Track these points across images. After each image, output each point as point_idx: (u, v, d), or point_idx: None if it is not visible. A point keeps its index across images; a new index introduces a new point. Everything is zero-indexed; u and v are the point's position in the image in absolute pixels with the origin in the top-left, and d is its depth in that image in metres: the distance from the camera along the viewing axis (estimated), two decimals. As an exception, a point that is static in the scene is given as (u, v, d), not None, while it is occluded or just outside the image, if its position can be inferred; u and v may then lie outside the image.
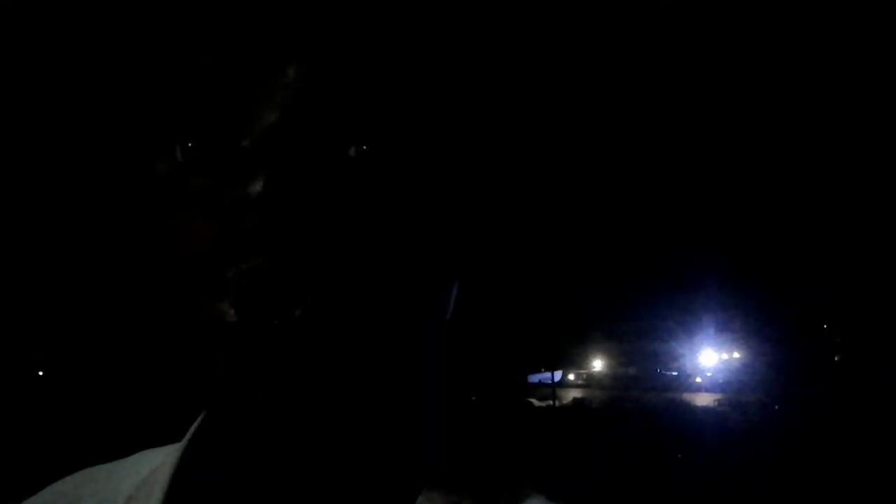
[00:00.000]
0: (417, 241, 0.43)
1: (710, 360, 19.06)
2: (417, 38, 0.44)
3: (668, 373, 20.35)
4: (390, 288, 0.42)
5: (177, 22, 0.43)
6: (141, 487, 0.52)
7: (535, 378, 18.23)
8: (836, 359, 15.13)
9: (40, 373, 9.15)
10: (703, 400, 15.81)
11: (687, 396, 16.40)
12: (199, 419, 0.52)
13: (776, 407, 12.30)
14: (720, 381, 17.25)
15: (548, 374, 17.72)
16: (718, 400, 15.22)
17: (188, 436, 0.52)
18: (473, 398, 0.52)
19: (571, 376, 22.85)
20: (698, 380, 19.27)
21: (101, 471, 0.58)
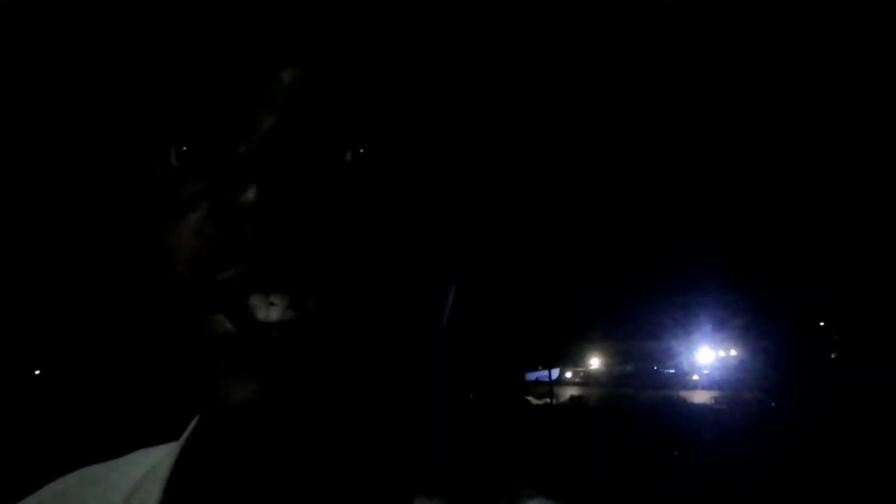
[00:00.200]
0: (416, 242, 0.43)
1: (707, 357, 19.08)
2: (415, 40, 0.44)
3: (666, 371, 20.37)
4: (389, 288, 0.42)
5: (173, 26, 0.43)
6: (140, 487, 0.53)
7: (532, 376, 18.23)
8: (833, 357, 15.15)
9: (37, 372, 9.13)
10: (700, 397, 15.81)
11: (684, 394, 16.40)
12: (196, 418, 0.52)
13: (773, 404, 12.31)
14: (717, 378, 17.26)
15: (545, 373, 17.72)
16: (715, 397, 15.22)
17: (186, 434, 0.52)
18: (472, 397, 0.52)
19: (569, 374, 22.86)
20: (695, 377, 19.29)
21: (100, 470, 0.58)
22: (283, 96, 0.40)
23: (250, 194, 0.38)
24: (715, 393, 15.82)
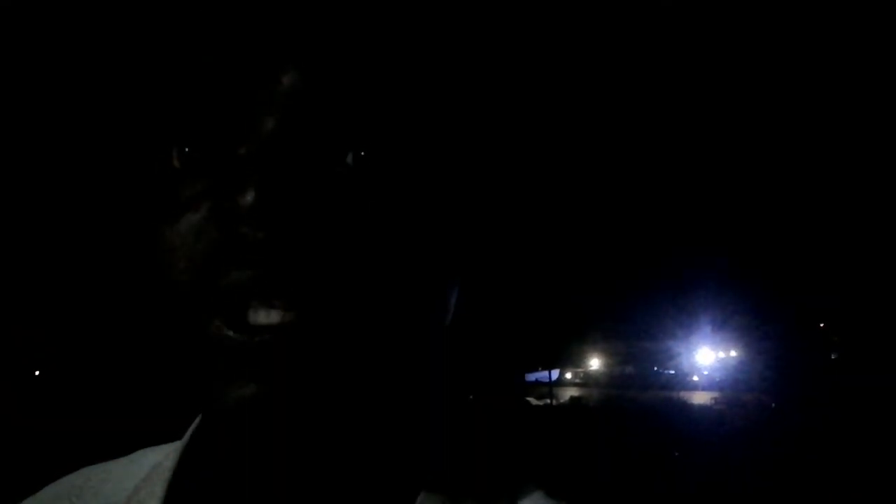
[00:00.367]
0: (417, 242, 0.43)
1: (707, 358, 19.08)
2: (415, 42, 0.45)
3: (666, 371, 20.36)
4: (390, 289, 0.42)
5: (174, 28, 0.43)
6: (141, 487, 0.53)
7: (532, 377, 18.22)
8: (833, 357, 15.14)
9: (36, 372, 9.12)
10: (700, 398, 15.81)
11: (684, 395, 16.40)
12: (198, 419, 0.52)
13: (773, 405, 12.31)
14: (717, 379, 17.27)
15: (545, 373, 17.71)
16: (715, 398, 15.22)
17: (188, 435, 0.52)
18: (472, 398, 0.52)
19: (569, 375, 22.85)
20: (695, 378, 19.30)
21: (100, 470, 0.58)
22: (284, 98, 0.40)
23: (250, 196, 0.38)
24: (715, 393, 15.83)
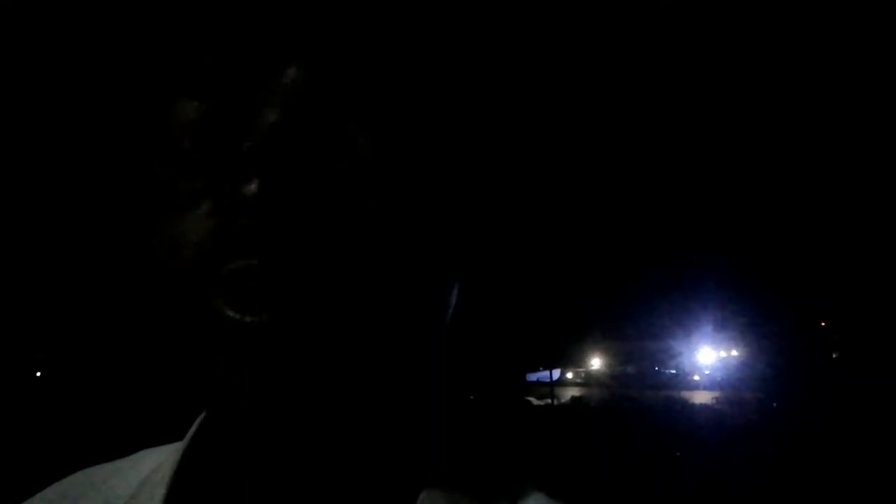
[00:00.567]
0: (417, 240, 0.43)
1: (709, 358, 19.08)
2: (418, 37, 0.45)
3: (667, 371, 20.37)
4: (390, 287, 0.42)
5: (177, 22, 0.43)
6: (141, 487, 0.53)
7: (533, 377, 18.23)
8: (834, 357, 15.14)
9: (38, 374, 9.13)
10: (702, 398, 15.82)
11: (685, 394, 16.41)
12: (199, 419, 0.52)
13: (774, 405, 12.32)
14: (718, 379, 17.27)
15: (546, 373, 17.72)
16: (716, 398, 15.22)
17: (188, 435, 0.52)
18: (472, 398, 0.52)
19: (570, 375, 22.86)
20: (696, 378, 19.30)
21: (101, 471, 0.58)
22: (287, 92, 0.40)
23: (253, 189, 0.38)
24: (716, 393, 15.82)
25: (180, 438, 0.52)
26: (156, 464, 0.54)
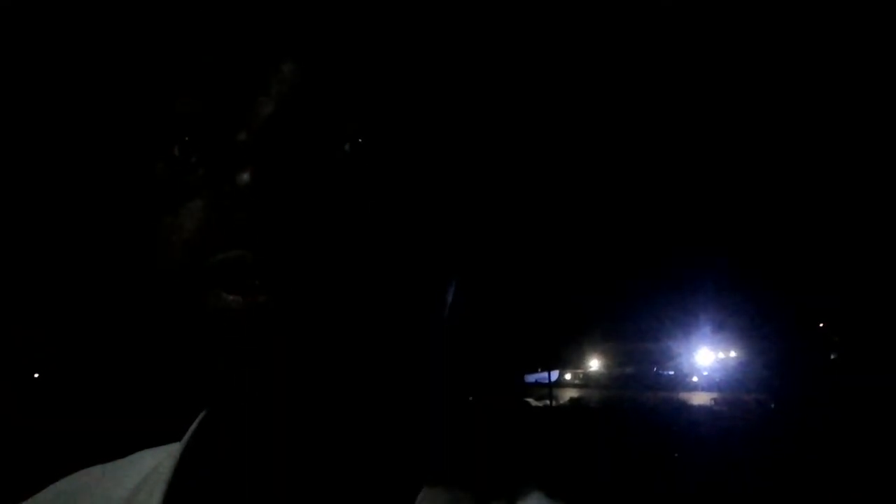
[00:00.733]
0: (416, 240, 0.43)
1: (707, 359, 19.07)
2: (417, 32, 0.45)
3: (665, 372, 20.36)
4: (390, 287, 0.41)
5: (174, 16, 0.44)
6: (141, 487, 0.53)
7: (531, 378, 18.21)
8: (832, 358, 15.14)
9: (35, 374, 9.12)
10: (700, 399, 15.81)
11: (684, 396, 16.41)
12: (198, 419, 0.52)
13: (773, 406, 12.31)
14: (717, 380, 17.26)
15: (545, 374, 17.71)
16: (715, 399, 15.23)
17: (188, 435, 0.52)
18: (472, 398, 0.53)
19: (568, 376, 22.85)
20: (695, 379, 19.29)
21: (101, 471, 0.59)
22: (283, 85, 0.40)
23: (248, 181, 0.38)
24: (715, 394, 15.83)
25: (179, 438, 0.52)
26: (155, 464, 0.54)
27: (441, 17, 0.46)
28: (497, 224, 0.52)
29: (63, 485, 0.58)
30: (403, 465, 0.46)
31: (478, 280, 0.51)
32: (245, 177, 0.38)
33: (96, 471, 0.59)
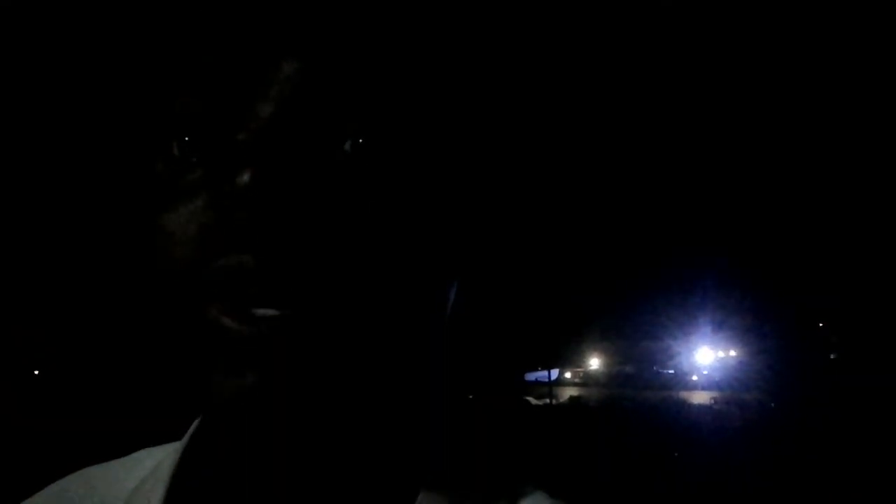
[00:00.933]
0: (418, 240, 0.43)
1: (707, 358, 19.09)
2: (417, 31, 0.45)
3: (665, 371, 20.38)
4: (389, 287, 0.41)
5: (173, 15, 0.43)
6: (141, 487, 0.53)
7: (531, 376, 18.24)
8: (832, 357, 15.15)
9: (35, 372, 9.12)
10: (700, 398, 15.83)
11: (683, 394, 16.43)
12: (197, 419, 0.52)
13: (772, 405, 12.33)
14: (716, 379, 17.28)
15: (545, 373, 17.73)
16: (715, 398, 15.24)
17: (187, 435, 0.52)
18: (472, 398, 0.52)
19: (568, 374, 22.88)
20: (695, 378, 19.31)
21: (101, 471, 0.58)
22: (283, 85, 0.40)
23: (248, 182, 0.38)
24: (714, 393, 15.85)
25: (179, 438, 0.52)
26: (155, 463, 0.54)
27: (441, 17, 0.46)
28: (498, 224, 0.52)
29: (63, 484, 0.58)
30: (403, 466, 0.46)
31: (479, 280, 0.51)
32: (245, 177, 0.38)
33: (96, 470, 0.58)
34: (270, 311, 0.39)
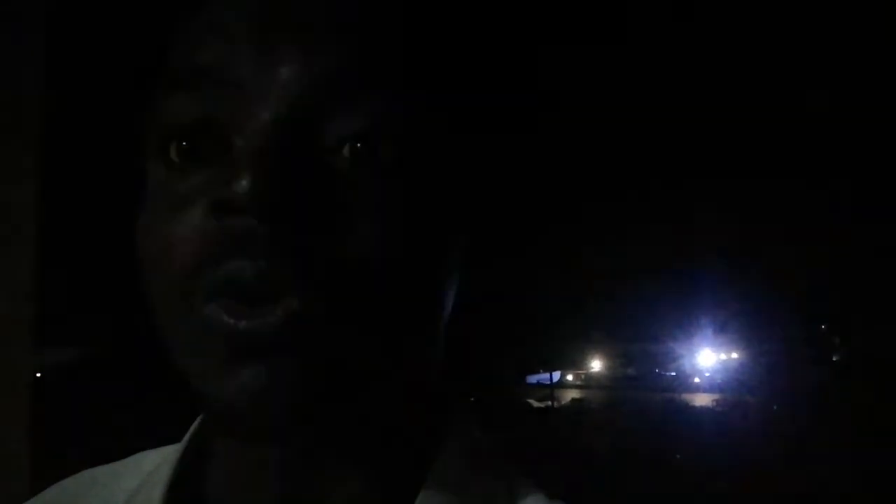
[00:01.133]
0: (416, 243, 0.43)
1: (709, 360, 19.06)
2: (417, 31, 0.45)
3: (667, 373, 20.36)
4: (388, 290, 0.41)
5: (171, 18, 0.44)
6: (141, 487, 0.53)
7: (533, 379, 18.24)
8: (834, 359, 15.14)
9: (37, 374, 9.11)
10: (702, 400, 15.82)
11: (685, 397, 16.42)
12: (197, 420, 0.52)
13: (774, 407, 12.32)
14: (718, 381, 17.25)
15: (546, 375, 17.73)
16: (717, 400, 15.23)
17: (188, 435, 0.52)
18: (472, 398, 0.52)
19: (570, 377, 22.86)
20: (697, 380, 19.28)
21: (101, 471, 0.58)
22: (282, 90, 0.40)
23: (246, 188, 0.38)
24: (716, 396, 15.82)
25: (179, 438, 0.52)
26: (155, 465, 0.54)
27: (442, 16, 0.46)
28: (500, 226, 0.52)
29: (64, 484, 0.58)
30: (403, 465, 0.46)
31: (480, 280, 0.51)
32: (244, 183, 0.38)
33: (96, 471, 0.58)
34: (270, 312, 0.39)
